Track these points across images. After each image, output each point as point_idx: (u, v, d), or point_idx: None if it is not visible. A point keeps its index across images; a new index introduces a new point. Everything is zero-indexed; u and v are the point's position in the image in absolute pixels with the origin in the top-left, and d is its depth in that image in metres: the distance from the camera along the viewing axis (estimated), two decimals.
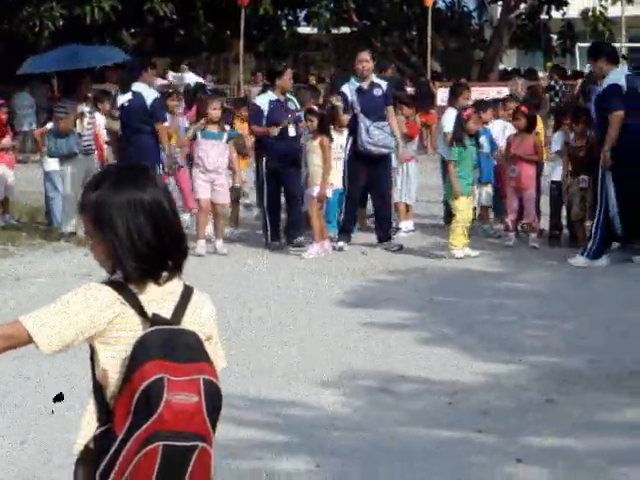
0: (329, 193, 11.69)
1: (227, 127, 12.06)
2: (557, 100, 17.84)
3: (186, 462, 2.92)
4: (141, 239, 3.03)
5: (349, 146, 11.87)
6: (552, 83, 20.42)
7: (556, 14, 30.01)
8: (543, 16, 30.38)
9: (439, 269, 10.88)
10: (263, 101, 12.11)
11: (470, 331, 8.36)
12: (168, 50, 30.03)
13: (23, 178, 15.21)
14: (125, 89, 12.39)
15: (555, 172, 12.11)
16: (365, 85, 11.83)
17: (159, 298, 3.07)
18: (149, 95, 12.10)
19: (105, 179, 3.09)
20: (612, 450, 5.80)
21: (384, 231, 12.02)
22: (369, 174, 11.86)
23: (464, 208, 11.39)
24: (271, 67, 13.33)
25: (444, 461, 5.61)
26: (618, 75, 10.83)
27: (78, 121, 12.36)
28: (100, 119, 13.26)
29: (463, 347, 7.85)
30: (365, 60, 11.84)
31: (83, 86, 12.52)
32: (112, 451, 2.95)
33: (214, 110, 11.57)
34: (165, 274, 3.07)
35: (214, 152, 11.59)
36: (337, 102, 11.95)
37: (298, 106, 12.30)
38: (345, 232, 12.07)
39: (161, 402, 2.88)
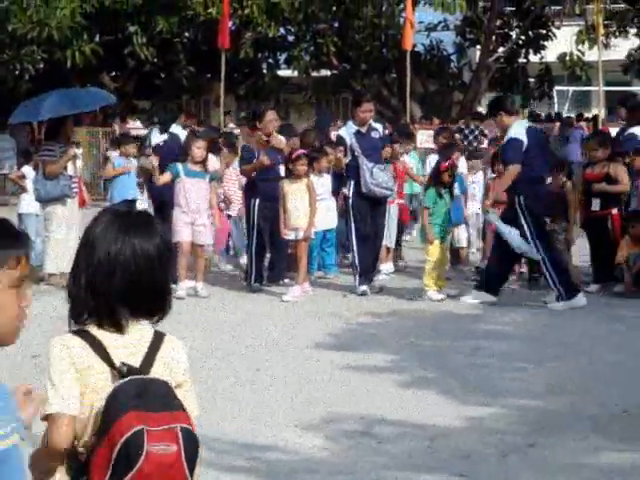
0: (313, 234, 11.77)
1: (209, 168, 12.08)
2: (465, 143, 18.13)
3: None
4: (72, 282, 3.04)
5: (352, 190, 11.87)
6: (462, 127, 20.71)
7: (534, 58, 30.26)
8: (521, 60, 30.63)
9: (419, 311, 10.89)
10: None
11: (450, 374, 8.36)
12: (149, 93, 30.11)
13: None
14: (163, 130, 13.44)
15: None
16: (363, 129, 11.90)
17: (126, 346, 3.02)
18: (183, 136, 12.69)
19: (100, 221, 3.06)
20: None
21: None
22: (370, 216, 11.92)
23: (435, 252, 11.50)
24: (254, 110, 13.47)
25: None
26: (519, 128, 11.07)
27: (70, 163, 12.36)
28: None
29: (443, 390, 7.84)
30: (369, 110, 11.96)
31: (67, 128, 12.52)
32: None
33: (197, 149, 11.59)
34: (126, 322, 3.01)
35: (196, 191, 11.60)
36: (339, 153, 12.05)
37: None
38: (364, 275, 11.96)
39: (141, 454, 2.85)
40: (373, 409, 7.35)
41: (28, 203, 13.05)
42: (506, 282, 11.57)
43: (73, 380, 3.00)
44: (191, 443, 2.90)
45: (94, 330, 3.03)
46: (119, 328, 3.02)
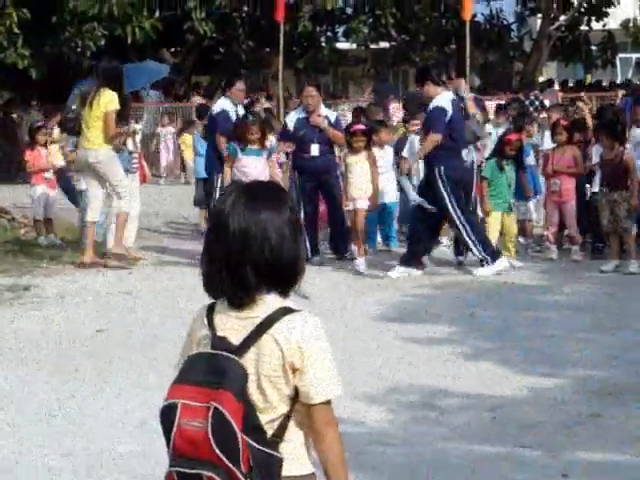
0: (375, 204, 11.81)
1: (268, 143, 12.09)
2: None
3: None
4: (206, 258, 3.04)
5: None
6: (521, 97, 20.47)
7: (596, 25, 29.88)
8: (583, 27, 30.26)
9: (480, 283, 10.85)
10: (292, 118, 12.20)
11: (512, 345, 8.33)
12: (208, 68, 30.22)
13: (60, 196, 15.33)
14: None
15: (595, 184, 12.05)
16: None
17: (239, 323, 3.02)
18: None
19: (230, 195, 3.06)
20: None
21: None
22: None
23: (493, 223, 11.52)
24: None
25: (488, 476, 5.59)
26: (445, 99, 11.06)
27: (130, 139, 12.43)
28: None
29: (505, 361, 7.82)
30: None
31: (127, 105, 12.58)
32: None
33: (251, 135, 11.56)
34: (240, 299, 3.00)
35: (254, 169, 11.62)
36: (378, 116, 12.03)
37: (332, 121, 12.26)
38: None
39: (173, 427, 2.90)
40: (435, 381, 7.35)
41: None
42: (429, 252, 11.59)
43: (185, 351, 3.12)
44: (221, 425, 2.84)
45: (220, 303, 3.06)
46: (236, 304, 3.01)
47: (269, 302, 3.02)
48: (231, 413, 2.86)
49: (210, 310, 3.09)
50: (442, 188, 10.99)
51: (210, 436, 2.84)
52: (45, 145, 14.10)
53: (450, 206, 11.06)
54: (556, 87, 27.98)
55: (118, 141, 12.12)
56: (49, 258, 12.36)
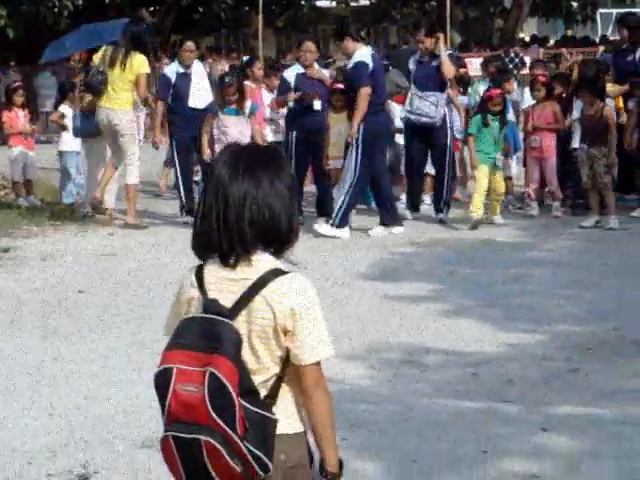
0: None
1: (247, 102, 12.02)
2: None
3: (198, 453, 2.90)
4: (202, 217, 3.05)
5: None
6: (502, 54, 20.54)
7: None
8: None
9: (461, 241, 10.87)
10: (291, 73, 12.10)
11: (493, 302, 8.37)
12: (187, 27, 30.02)
13: (46, 159, 15.27)
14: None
15: (575, 140, 12.05)
16: (425, 58, 11.85)
17: (230, 281, 3.03)
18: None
19: (226, 157, 3.11)
20: (638, 417, 5.81)
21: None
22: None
23: (481, 177, 11.51)
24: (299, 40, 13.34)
25: (469, 431, 5.63)
26: (365, 53, 11.10)
27: None
28: None
29: (486, 318, 7.86)
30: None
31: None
32: None
33: (229, 96, 11.51)
34: (233, 259, 3.01)
35: (235, 129, 11.58)
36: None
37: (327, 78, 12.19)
38: (410, 201, 12.22)
39: (169, 392, 2.91)
40: (416, 338, 7.39)
41: (68, 141, 13.11)
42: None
43: (174, 313, 3.17)
44: (216, 390, 2.86)
45: (209, 264, 3.07)
46: (231, 263, 3.02)
47: (262, 263, 3.03)
48: (227, 377, 2.88)
49: (199, 271, 3.09)
50: (356, 144, 10.99)
51: (207, 401, 2.86)
52: (22, 107, 14.00)
53: (354, 160, 11.05)
54: (552, 42, 27.93)
55: (91, 102, 12.08)
56: (29, 220, 12.31)
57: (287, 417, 3.07)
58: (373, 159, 11.15)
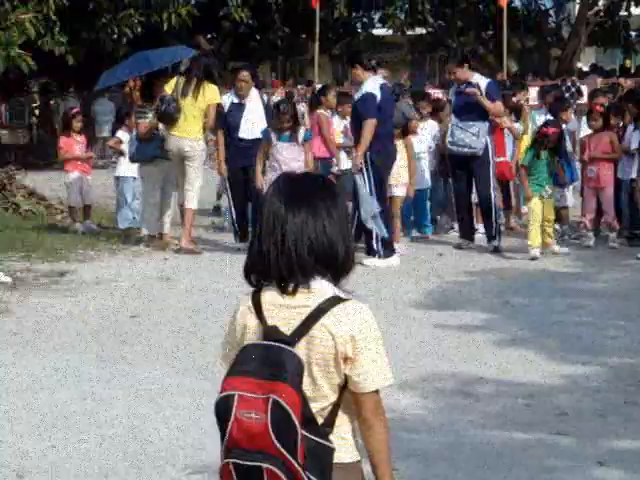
0: (411, 192, 11.80)
1: (301, 130, 12.08)
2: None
3: None
4: (259, 243, 3.04)
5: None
6: (559, 83, 20.36)
7: (636, 10, 29.61)
8: (622, 13, 29.99)
9: (515, 270, 10.81)
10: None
11: (547, 332, 8.29)
12: (245, 54, 30.23)
13: (104, 184, 15.42)
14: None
15: (634, 170, 11.94)
16: (462, 87, 11.90)
17: (289, 309, 3.02)
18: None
19: (279, 185, 3.10)
20: None
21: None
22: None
23: (535, 209, 11.42)
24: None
25: (523, 464, 5.57)
26: (374, 84, 11.06)
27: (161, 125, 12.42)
28: None
29: (540, 348, 7.79)
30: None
31: (158, 88, 12.58)
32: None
33: (283, 124, 11.62)
34: (292, 287, 3.01)
35: (289, 156, 11.64)
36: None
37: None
38: (463, 231, 12.25)
39: (230, 419, 2.89)
40: (469, 368, 7.34)
41: (125, 166, 13.24)
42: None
43: (228, 339, 3.16)
44: (280, 416, 2.85)
45: (267, 291, 3.06)
46: (290, 290, 3.01)
47: (320, 290, 3.02)
48: (290, 405, 2.86)
49: (256, 297, 3.08)
50: (365, 174, 10.98)
51: (270, 429, 2.84)
52: (80, 132, 14.17)
53: (369, 191, 11.04)
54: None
55: (150, 128, 12.18)
56: (84, 244, 12.43)
57: (344, 445, 3.05)
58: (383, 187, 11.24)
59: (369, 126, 10.97)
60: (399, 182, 11.66)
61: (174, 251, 11.91)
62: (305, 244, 2.99)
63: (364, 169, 11.02)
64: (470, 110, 11.77)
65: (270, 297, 3.05)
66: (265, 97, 12.81)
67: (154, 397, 6.75)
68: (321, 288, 3.02)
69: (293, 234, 2.99)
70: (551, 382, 7.00)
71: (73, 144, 13.96)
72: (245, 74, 12.13)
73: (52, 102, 24.83)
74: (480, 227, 12.69)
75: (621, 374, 7.15)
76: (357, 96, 11.39)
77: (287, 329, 2.98)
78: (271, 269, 3.02)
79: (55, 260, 11.49)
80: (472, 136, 11.72)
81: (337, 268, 3.05)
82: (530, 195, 11.55)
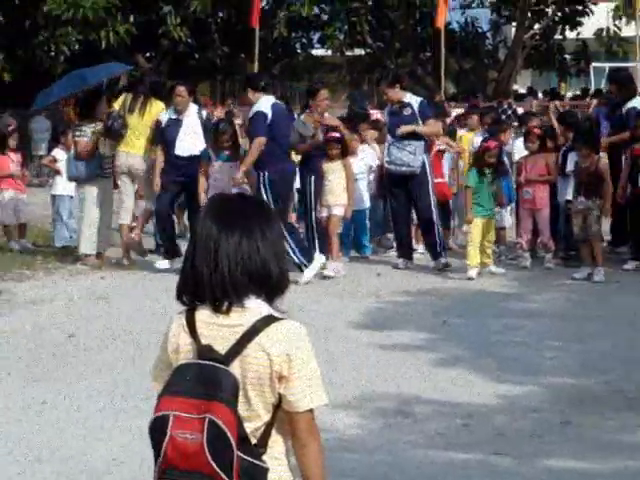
0: (349, 213, 11.81)
1: (241, 150, 12.09)
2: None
3: None
4: (192, 264, 3.03)
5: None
6: (495, 105, 20.65)
7: (570, 34, 30.02)
8: (557, 36, 30.39)
9: (453, 290, 10.86)
10: (300, 124, 12.10)
11: (485, 353, 8.34)
12: (183, 73, 30.14)
13: (40, 202, 15.27)
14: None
15: (569, 191, 12.07)
16: (396, 107, 11.96)
17: (221, 328, 3.01)
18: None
19: (213, 205, 3.13)
20: (630, 472, 5.76)
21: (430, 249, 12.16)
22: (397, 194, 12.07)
23: (475, 229, 11.51)
24: (309, 87, 13.34)
25: None
26: (265, 103, 11.27)
27: (101, 142, 12.33)
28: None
29: (478, 369, 7.83)
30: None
31: (98, 106, 12.49)
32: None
33: (223, 143, 11.67)
34: (226, 306, 3.00)
35: (228, 176, 11.63)
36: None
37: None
38: (401, 250, 12.22)
39: (165, 439, 2.87)
40: (407, 388, 7.35)
41: (62, 185, 13.14)
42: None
43: (161, 359, 3.14)
44: (217, 436, 2.84)
45: (199, 310, 3.05)
46: (223, 309, 3.01)
47: (255, 309, 3.02)
48: (227, 425, 2.85)
49: (189, 317, 3.07)
50: (264, 194, 11.02)
51: (206, 448, 2.83)
52: (15, 150, 14.02)
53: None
54: (540, 96, 28.08)
55: (89, 146, 12.10)
56: (20, 263, 12.28)
57: (277, 465, 3.03)
58: (285, 206, 11.39)
59: (256, 144, 11.12)
60: (337, 202, 11.67)
61: (112, 266, 11.87)
62: (239, 264, 2.99)
63: (262, 189, 11.10)
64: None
65: (203, 316, 3.04)
66: (204, 113, 12.68)
67: (89, 418, 6.67)
68: (255, 307, 3.02)
69: (226, 254, 2.99)
70: (489, 402, 7.04)
71: (7, 162, 13.80)
72: (182, 89, 12.09)
73: None
74: (419, 247, 12.75)
75: (558, 394, 7.21)
76: (249, 115, 11.48)
77: (221, 348, 2.98)
78: (204, 289, 3.01)
79: None
80: (409, 154, 11.79)
81: (271, 288, 3.06)
82: (471, 217, 11.58)
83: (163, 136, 12.03)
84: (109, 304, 10.13)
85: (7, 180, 13.74)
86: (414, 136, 11.80)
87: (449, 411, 6.84)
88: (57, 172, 13.26)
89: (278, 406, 3.01)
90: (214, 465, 2.83)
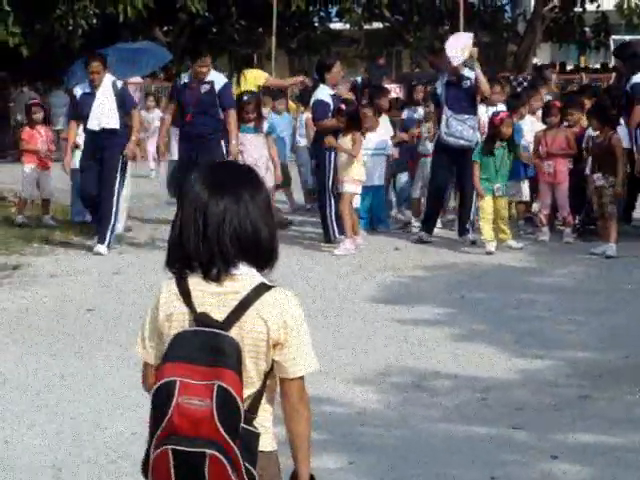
0: (359, 189, 11.69)
1: (265, 124, 12.09)
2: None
3: (199, 468, 2.85)
4: (180, 231, 3.03)
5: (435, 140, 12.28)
6: (510, 77, 20.46)
7: (590, 7, 29.76)
8: (577, 9, 30.15)
9: (472, 265, 10.84)
10: (326, 96, 12.08)
11: (503, 327, 8.33)
12: (201, 47, 30.08)
13: (58, 176, 15.27)
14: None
15: (588, 167, 11.99)
16: (454, 78, 11.97)
17: (218, 295, 3.02)
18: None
19: (203, 174, 3.11)
20: None
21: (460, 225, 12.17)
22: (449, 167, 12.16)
23: (485, 206, 11.43)
24: (321, 61, 13.28)
25: (478, 458, 5.59)
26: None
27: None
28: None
29: (496, 343, 7.82)
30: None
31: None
32: (147, 447, 2.99)
33: (247, 114, 11.69)
34: (218, 274, 3.01)
35: (252, 146, 11.63)
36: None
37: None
38: (427, 223, 12.22)
39: (171, 405, 2.87)
40: (425, 362, 7.35)
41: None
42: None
43: (153, 331, 3.12)
44: (226, 403, 2.85)
45: (191, 277, 3.05)
46: (214, 277, 3.01)
47: (248, 277, 3.04)
48: (235, 391, 2.88)
49: (182, 285, 3.06)
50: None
51: (215, 414, 2.84)
52: (42, 123, 14.00)
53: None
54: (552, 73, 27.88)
55: None
56: (39, 237, 12.31)
57: (265, 433, 3.07)
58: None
59: (233, 116, 11.40)
60: (347, 178, 11.54)
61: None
62: (228, 231, 2.99)
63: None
64: (465, 103, 11.84)
65: (197, 284, 3.04)
66: (119, 84, 12.18)
67: (108, 391, 6.70)
68: (248, 275, 3.03)
69: (215, 221, 2.99)
70: (507, 376, 7.03)
71: (36, 136, 13.77)
72: (95, 64, 11.70)
73: (6, 93, 24.65)
74: (414, 221, 12.74)
75: (576, 368, 7.20)
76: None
77: (218, 316, 2.99)
78: (193, 256, 3.01)
79: (8, 253, 11.38)
80: (469, 129, 11.81)
81: (261, 255, 3.07)
82: (481, 192, 11.48)
83: (76, 111, 11.88)
84: (128, 279, 10.15)
85: (30, 154, 13.72)
86: (472, 111, 11.82)
87: (467, 385, 6.85)
88: (76, 146, 13.24)
89: (268, 374, 3.04)
90: (222, 431, 2.85)
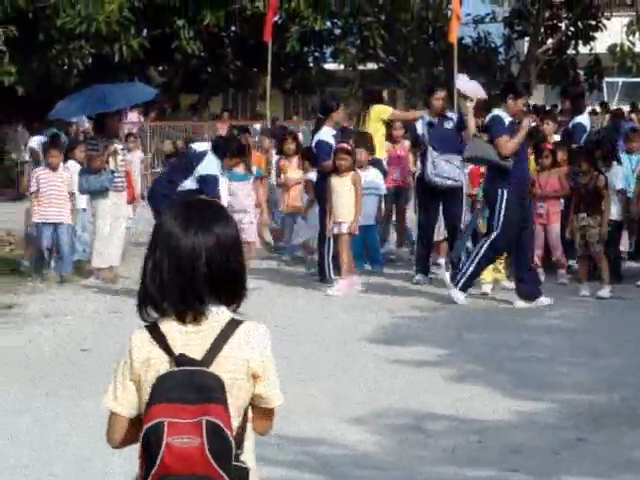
0: (357, 229, 11.67)
1: (254, 168, 12.15)
2: None
3: None
4: (153, 275, 3.01)
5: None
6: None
7: (583, 49, 29.96)
8: (570, 51, 30.35)
9: (467, 305, 10.81)
10: (329, 137, 12.10)
11: (500, 368, 8.29)
12: (196, 87, 30.17)
13: None
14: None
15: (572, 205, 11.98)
16: (435, 120, 12.06)
17: (193, 335, 3.01)
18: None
19: (174, 211, 3.09)
20: None
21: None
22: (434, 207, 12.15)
23: None
24: (325, 102, 13.28)
25: None
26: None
27: (111, 158, 12.34)
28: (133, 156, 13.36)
29: (493, 384, 7.78)
30: (442, 98, 12.11)
31: (112, 124, 12.54)
32: None
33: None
34: (191, 314, 3.00)
35: (241, 193, 11.68)
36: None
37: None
38: (421, 265, 12.18)
39: (161, 447, 2.86)
40: (422, 403, 7.31)
41: (80, 198, 13.10)
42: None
43: (128, 381, 3.07)
44: (217, 437, 2.85)
45: (163, 322, 3.03)
46: (188, 317, 3.00)
47: (220, 314, 3.04)
48: (225, 425, 2.88)
49: (155, 329, 3.04)
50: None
51: (206, 449, 2.84)
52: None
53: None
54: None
55: (100, 161, 12.11)
56: (34, 277, 12.27)
57: (249, 461, 3.07)
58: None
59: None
60: (345, 219, 11.50)
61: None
62: (200, 270, 2.99)
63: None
64: (450, 143, 11.85)
65: (170, 326, 3.03)
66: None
67: (101, 432, 6.63)
68: (219, 312, 3.04)
69: (189, 260, 2.99)
70: (503, 418, 6.99)
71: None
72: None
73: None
74: (440, 260, 12.68)
75: (573, 411, 7.16)
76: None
77: (197, 355, 2.98)
78: (167, 296, 3.00)
79: (2, 293, 11.34)
80: (457, 169, 11.83)
81: (232, 291, 3.07)
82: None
83: None
84: (122, 318, 10.10)
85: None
86: (457, 151, 11.81)
87: (463, 427, 6.80)
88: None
89: (246, 409, 3.05)
90: (216, 466, 2.85)
